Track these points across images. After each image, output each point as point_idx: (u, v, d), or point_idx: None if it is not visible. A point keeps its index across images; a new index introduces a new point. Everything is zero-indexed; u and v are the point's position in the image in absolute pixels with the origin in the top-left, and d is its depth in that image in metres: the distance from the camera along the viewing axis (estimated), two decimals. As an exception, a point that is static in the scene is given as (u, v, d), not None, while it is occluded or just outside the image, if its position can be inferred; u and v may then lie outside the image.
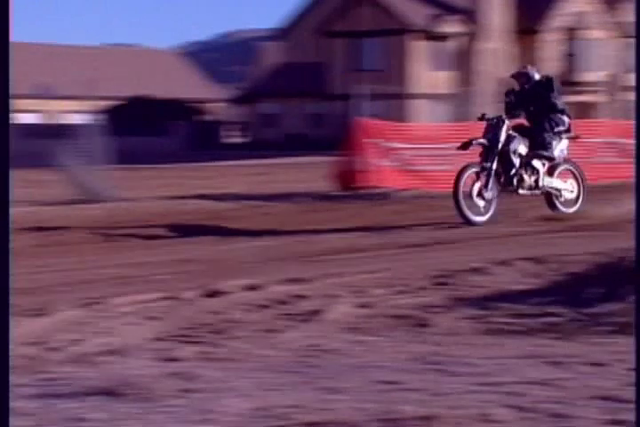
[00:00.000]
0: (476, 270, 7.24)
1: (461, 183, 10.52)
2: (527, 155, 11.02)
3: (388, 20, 44.21)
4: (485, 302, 6.10)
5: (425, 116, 41.54)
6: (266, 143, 44.95)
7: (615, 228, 9.74)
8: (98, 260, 8.89)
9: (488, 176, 10.71)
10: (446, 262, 7.79)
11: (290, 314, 5.92)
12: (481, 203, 10.67)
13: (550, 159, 11.19)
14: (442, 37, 44.82)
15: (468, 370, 4.24)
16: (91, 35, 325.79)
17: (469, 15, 45.15)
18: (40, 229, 11.30)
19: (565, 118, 11.23)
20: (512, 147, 10.86)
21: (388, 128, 15.55)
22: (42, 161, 18.04)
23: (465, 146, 10.87)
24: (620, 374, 4.10)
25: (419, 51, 44.69)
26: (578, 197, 11.57)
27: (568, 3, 46.75)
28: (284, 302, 6.23)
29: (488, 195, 10.69)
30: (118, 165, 15.56)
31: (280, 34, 50.82)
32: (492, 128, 10.86)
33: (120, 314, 5.91)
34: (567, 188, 11.48)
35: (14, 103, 54.98)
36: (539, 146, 11.06)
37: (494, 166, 10.75)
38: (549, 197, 11.44)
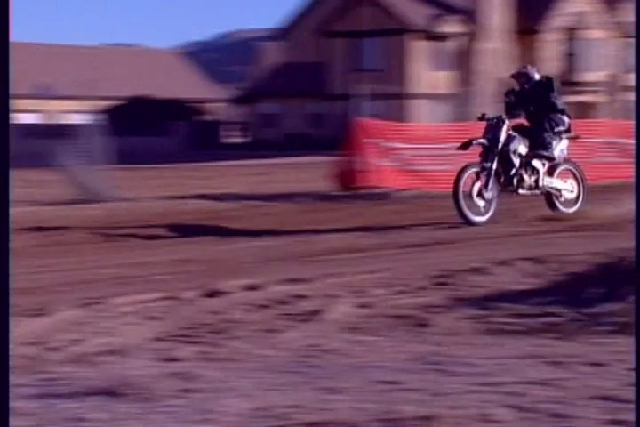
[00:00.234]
0: (476, 270, 7.24)
1: (461, 183, 10.52)
2: (527, 155, 11.03)
3: (388, 20, 44.21)
4: (485, 302, 6.10)
5: (425, 117, 41.54)
6: (266, 143, 44.94)
7: (615, 228, 9.74)
8: (98, 260, 8.89)
9: (488, 176, 10.70)
10: (446, 262, 7.79)
11: (290, 314, 5.92)
12: (481, 203, 10.67)
13: (550, 159, 11.19)
14: (442, 37, 44.82)
15: (468, 370, 4.24)
16: (91, 35, 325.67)
17: (469, 15, 45.15)
18: (40, 228, 11.30)
19: (565, 118, 11.22)
20: (512, 147, 10.86)
21: (388, 128, 15.55)
22: (42, 161, 18.04)
23: (465, 146, 10.88)
24: (620, 374, 4.10)
25: (419, 51, 44.69)
26: (578, 197, 11.56)
27: (568, 3, 46.76)
28: (284, 302, 6.23)
29: (488, 195, 10.68)
30: (118, 165, 15.56)
31: (280, 34, 50.82)
32: (492, 128, 10.86)
33: (120, 314, 5.91)
34: (567, 188, 11.48)
35: (14, 103, 54.87)
36: (539, 146, 11.06)
37: (494, 166, 10.74)
38: (549, 197, 11.43)
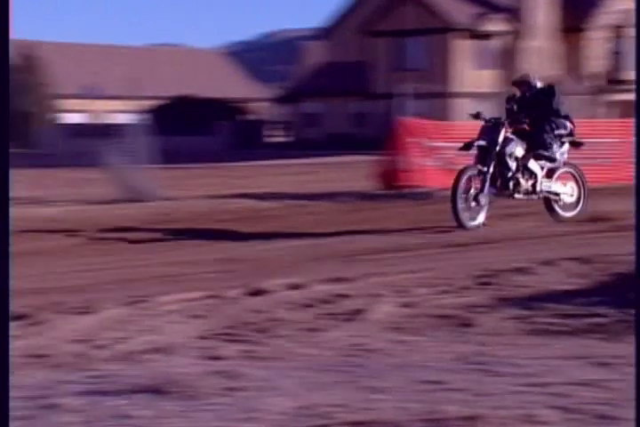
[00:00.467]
0: (520, 270, 7.19)
1: (460, 186, 10.28)
2: (524, 156, 10.72)
3: (432, 19, 44.04)
4: (530, 302, 6.06)
5: (468, 116, 41.25)
6: (309, 143, 44.98)
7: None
8: (142, 258, 8.97)
9: (484, 180, 10.45)
10: (490, 262, 7.75)
11: (333, 313, 5.92)
12: (476, 207, 10.41)
13: (551, 160, 10.91)
14: (486, 36, 44.55)
15: (512, 370, 4.22)
16: (136, 35, 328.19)
17: (514, 13, 44.83)
18: (85, 227, 11.41)
19: (568, 123, 10.98)
20: (508, 150, 10.58)
21: (431, 127, 15.50)
22: (88, 160, 18.21)
23: (467, 147, 10.69)
24: (666, 376, 4.05)
25: (462, 49, 44.46)
26: (578, 201, 11.29)
27: (614, 0, 46.26)
28: (327, 302, 6.24)
29: (482, 199, 10.41)
30: (162, 165, 15.67)
31: (323, 33, 50.83)
32: (490, 130, 10.59)
33: (165, 312, 5.95)
34: (567, 191, 11.20)
35: (61, 103, 55.26)
36: (539, 146, 10.79)
37: (491, 170, 10.48)
38: (548, 201, 11.17)
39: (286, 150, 40.76)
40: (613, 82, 45.53)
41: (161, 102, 49.72)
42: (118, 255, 9.26)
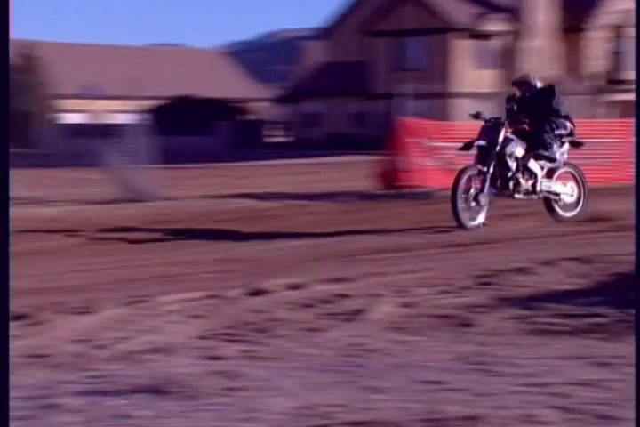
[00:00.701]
0: (520, 270, 7.20)
1: (460, 186, 10.25)
2: (524, 157, 10.69)
3: (432, 19, 44.04)
4: (530, 302, 6.06)
5: (468, 116, 41.25)
6: (309, 143, 44.99)
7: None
8: (142, 258, 8.97)
9: (484, 180, 10.42)
10: (490, 262, 7.75)
11: (333, 313, 5.92)
12: (476, 207, 10.38)
13: (551, 160, 10.88)
14: (486, 36, 44.56)
15: (512, 370, 4.22)
16: (136, 35, 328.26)
17: (514, 13, 44.84)
18: (84, 227, 11.41)
19: (568, 123, 10.95)
20: (508, 150, 10.54)
21: (431, 127, 15.50)
22: (88, 160, 18.21)
23: (467, 147, 10.67)
24: (667, 376, 4.05)
25: (462, 49, 44.47)
26: (578, 201, 11.27)
27: (614, 0, 46.26)
28: (327, 302, 6.24)
29: (482, 199, 10.37)
30: (162, 165, 15.67)
31: (323, 33, 50.84)
32: (490, 130, 10.56)
33: (165, 312, 5.95)
34: (567, 191, 11.17)
35: (61, 103, 55.21)
36: (538, 146, 10.76)
37: (491, 170, 10.45)
38: (548, 201, 11.15)
39: (286, 150, 40.77)
40: (613, 82, 45.52)
41: (161, 102, 49.73)
42: (118, 255, 9.26)
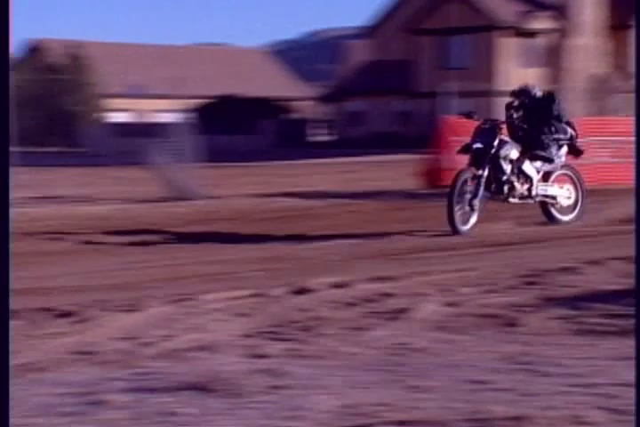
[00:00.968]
0: (566, 270, 7.14)
1: (456, 190, 10.10)
2: (519, 159, 10.50)
3: (477, 17, 43.80)
4: (576, 301, 6.01)
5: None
6: (352, 141, 44.95)
7: None
8: (187, 257, 9.02)
9: (478, 184, 10.24)
10: (535, 261, 7.70)
11: (377, 312, 5.91)
12: (469, 212, 10.18)
13: (548, 160, 10.70)
14: (531, 34, 44.22)
15: (558, 371, 4.18)
16: (180, 34, 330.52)
17: (560, 11, 44.44)
18: (130, 225, 11.50)
19: (569, 129, 10.78)
20: (502, 152, 10.34)
21: (475, 126, 15.39)
22: (133, 159, 18.35)
23: (466, 150, 10.46)
24: None
25: (508, 47, 44.17)
26: (576, 204, 11.09)
27: (662, -3, 45.64)
28: (371, 300, 6.23)
29: (477, 204, 10.19)
30: (207, 163, 15.76)
31: (367, 32, 50.78)
32: (485, 132, 10.38)
33: (210, 310, 5.98)
34: (563, 194, 10.99)
35: (108, 103, 55.48)
36: (536, 146, 10.58)
37: (486, 173, 10.27)
38: (544, 205, 10.96)
39: (330, 149, 40.78)
40: (661, 79, 44.92)
41: (206, 101, 49.98)
42: (163, 253, 9.33)
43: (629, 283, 6.51)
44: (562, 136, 10.80)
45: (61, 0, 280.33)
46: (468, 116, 10.88)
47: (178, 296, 6.35)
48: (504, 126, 10.63)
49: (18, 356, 4.74)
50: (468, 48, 44.33)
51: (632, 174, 12.37)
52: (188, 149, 15.34)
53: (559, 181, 11.10)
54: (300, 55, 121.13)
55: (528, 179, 10.69)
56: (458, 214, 10.12)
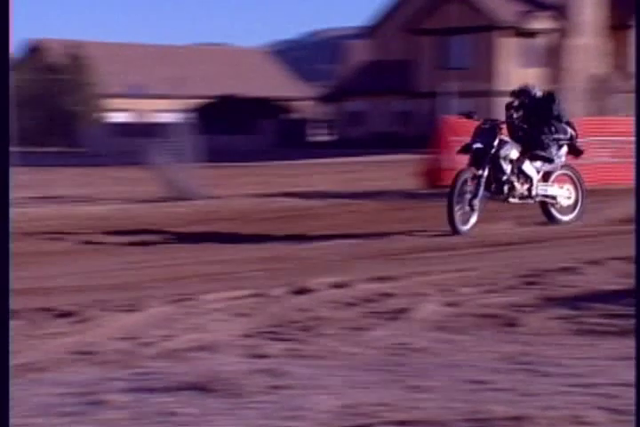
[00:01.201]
0: (566, 270, 7.13)
1: (457, 190, 10.08)
2: (519, 159, 10.49)
3: (477, 17, 43.80)
4: (576, 301, 6.01)
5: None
6: (352, 141, 44.96)
7: None
8: (187, 257, 9.02)
9: (478, 184, 10.23)
10: (535, 261, 7.70)
11: (377, 312, 5.92)
12: (469, 212, 10.17)
13: (548, 160, 10.69)
14: (531, 34, 44.23)
15: (558, 371, 4.18)
16: (181, 34, 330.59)
17: (560, 11, 44.44)
18: (130, 225, 11.50)
19: (569, 129, 10.77)
20: (502, 152, 10.33)
21: (475, 126, 15.39)
22: (133, 159, 18.35)
23: (466, 150, 10.44)
24: None
25: (508, 47, 44.18)
26: (576, 204, 11.07)
27: (662, -3, 45.65)
28: (371, 300, 6.23)
29: (477, 204, 10.18)
30: (207, 163, 15.76)
31: (367, 32, 50.78)
32: (485, 132, 10.37)
33: (209, 310, 5.98)
34: (563, 194, 10.97)
35: (107, 103, 55.48)
36: (536, 146, 10.57)
37: (486, 173, 10.26)
38: (544, 205, 10.95)
39: (330, 149, 40.78)
40: (661, 79, 44.93)
41: (206, 101, 49.98)
42: (162, 253, 9.32)
43: (629, 283, 6.51)
44: (562, 136, 10.79)
45: (61, 0, 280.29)
46: (468, 116, 10.88)
47: (178, 296, 6.35)
48: (504, 126, 10.65)
49: (18, 356, 4.74)
50: (467, 48, 44.33)
51: (632, 174, 12.36)
52: (187, 149, 15.34)
53: (559, 181, 11.09)
54: (300, 55, 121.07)
55: (528, 179, 10.69)
56: (458, 214, 10.12)
